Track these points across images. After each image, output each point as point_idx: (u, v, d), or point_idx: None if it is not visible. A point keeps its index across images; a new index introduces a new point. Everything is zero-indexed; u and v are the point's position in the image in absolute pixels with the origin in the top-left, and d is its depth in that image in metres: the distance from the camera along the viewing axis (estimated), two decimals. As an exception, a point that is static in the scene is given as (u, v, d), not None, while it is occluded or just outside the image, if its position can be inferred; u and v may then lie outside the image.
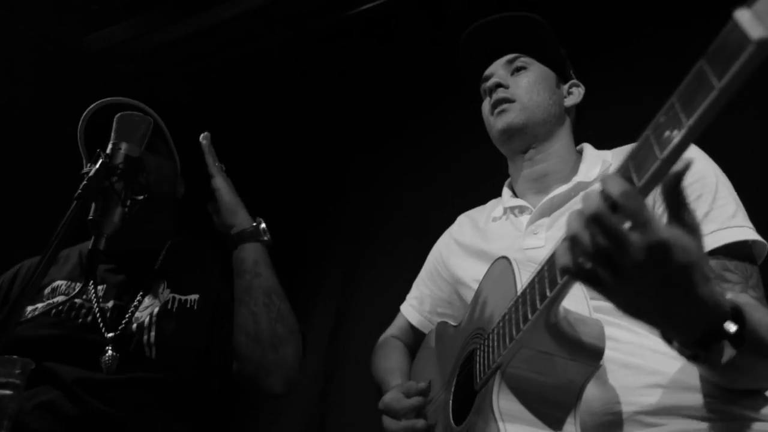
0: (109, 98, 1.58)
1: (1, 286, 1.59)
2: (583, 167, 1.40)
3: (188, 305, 1.52)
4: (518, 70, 1.50)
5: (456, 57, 1.59)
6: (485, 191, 1.68)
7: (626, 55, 2.36)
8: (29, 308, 1.46)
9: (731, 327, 0.81)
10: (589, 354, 0.98)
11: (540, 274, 0.94)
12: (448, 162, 2.64)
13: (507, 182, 1.58)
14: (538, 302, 0.93)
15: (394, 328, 1.73)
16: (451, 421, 1.19)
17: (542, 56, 1.52)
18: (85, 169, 1.18)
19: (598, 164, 1.39)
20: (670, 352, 1.10)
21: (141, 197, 1.38)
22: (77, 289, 1.50)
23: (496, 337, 1.06)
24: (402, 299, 1.76)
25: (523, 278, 1.07)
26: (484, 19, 1.53)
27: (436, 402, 1.32)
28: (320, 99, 3.11)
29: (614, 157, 1.39)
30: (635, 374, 1.08)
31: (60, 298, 1.49)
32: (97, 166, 1.15)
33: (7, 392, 1.01)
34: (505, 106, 1.45)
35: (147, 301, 1.51)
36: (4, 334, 0.97)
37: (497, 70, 1.52)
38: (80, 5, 2.87)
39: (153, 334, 1.43)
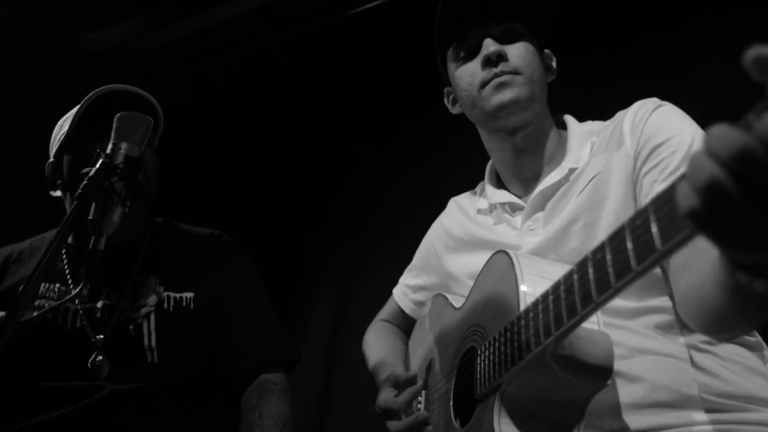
0: (118, 85, 1.53)
1: None
2: (572, 147, 1.32)
3: (184, 304, 1.46)
4: (511, 37, 1.34)
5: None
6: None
7: (622, 52, 2.36)
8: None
9: None
10: (596, 374, 0.94)
11: (544, 301, 0.89)
12: (448, 160, 2.64)
13: (489, 166, 1.49)
14: (542, 336, 0.88)
15: (386, 312, 1.71)
16: (453, 420, 1.19)
17: (533, 22, 1.37)
18: (86, 169, 1.17)
19: (587, 144, 1.31)
20: (673, 353, 1.09)
21: (142, 197, 1.37)
22: (57, 291, 1.45)
23: (497, 353, 1.03)
24: (401, 299, 1.76)
25: (525, 281, 1.03)
26: None
27: (436, 391, 1.31)
28: (320, 98, 3.11)
29: (602, 133, 1.31)
30: (637, 386, 1.07)
31: (41, 302, 1.42)
32: (98, 166, 1.16)
33: None
34: (508, 77, 1.29)
35: (140, 299, 1.44)
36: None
37: (489, 33, 1.33)
38: (80, 5, 2.87)
39: (154, 337, 1.38)
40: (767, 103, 0.47)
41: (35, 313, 1.36)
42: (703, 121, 1.11)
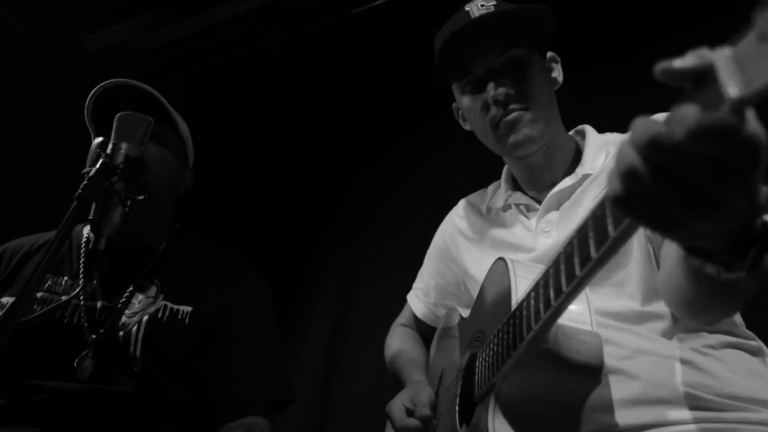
0: (122, 79, 1.52)
1: None
2: (587, 156, 1.34)
3: (180, 316, 1.42)
4: (516, 64, 1.32)
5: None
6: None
7: (636, 56, 2.36)
8: (5, 299, 1.40)
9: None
10: (586, 373, 0.94)
11: (527, 299, 0.91)
12: (449, 166, 2.63)
13: (506, 170, 1.49)
14: (524, 332, 0.90)
15: (403, 317, 1.73)
16: (457, 425, 1.20)
17: (534, 35, 1.36)
18: (86, 169, 1.18)
19: (602, 153, 1.34)
20: (674, 355, 1.10)
21: (141, 197, 1.38)
22: (63, 285, 1.44)
23: (491, 353, 1.05)
24: (401, 300, 1.76)
25: (518, 286, 1.05)
26: (467, 22, 1.31)
27: (445, 399, 1.32)
28: (320, 100, 3.11)
29: (619, 143, 1.32)
30: (635, 383, 1.08)
31: (46, 295, 1.42)
32: (98, 166, 1.16)
33: None
34: (518, 115, 1.30)
35: (137, 304, 1.42)
36: (3, 336, 0.97)
37: (492, 66, 1.32)
38: (80, 5, 2.87)
39: (140, 347, 1.35)
40: (682, 100, 0.49)
41: (36, 306, 1.37)
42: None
